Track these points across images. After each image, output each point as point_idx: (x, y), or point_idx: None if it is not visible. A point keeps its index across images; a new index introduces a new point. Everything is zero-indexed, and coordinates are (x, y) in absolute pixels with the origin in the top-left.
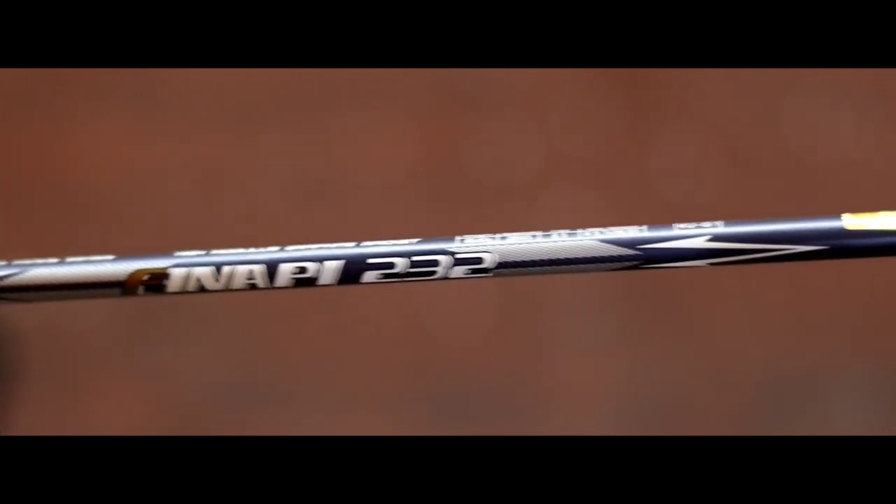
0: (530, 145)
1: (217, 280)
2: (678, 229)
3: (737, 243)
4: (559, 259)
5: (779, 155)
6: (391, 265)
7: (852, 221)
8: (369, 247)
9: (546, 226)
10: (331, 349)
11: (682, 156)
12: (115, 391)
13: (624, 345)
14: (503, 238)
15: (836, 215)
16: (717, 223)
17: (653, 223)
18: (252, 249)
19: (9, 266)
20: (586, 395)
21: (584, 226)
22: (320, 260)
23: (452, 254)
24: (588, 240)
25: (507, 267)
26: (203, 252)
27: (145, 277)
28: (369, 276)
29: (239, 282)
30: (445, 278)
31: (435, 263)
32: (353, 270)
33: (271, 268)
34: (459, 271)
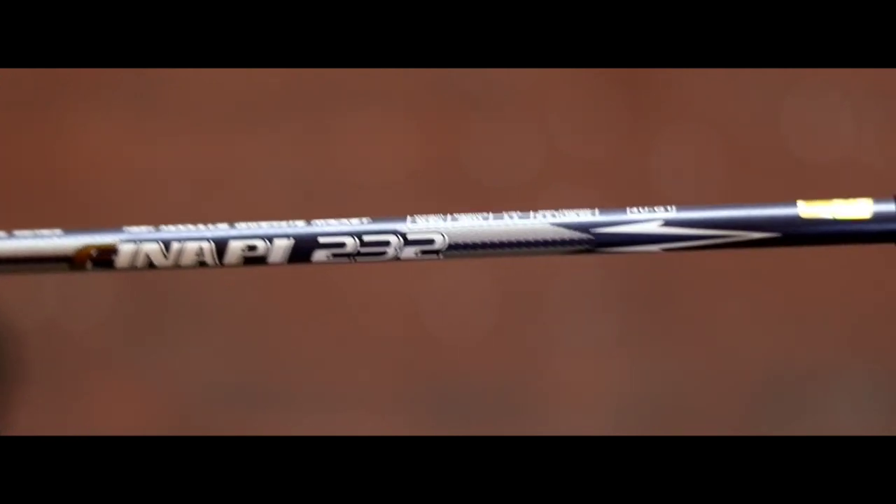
0: (530, 145)
1: (166, 257)
2: (631, 213)
3: (690, 229)
4: (510, 241)
5: (779, 155)
6: (342, 244)
7: (807, 209)
8: (320, 226)
9: None
10: (331, 349)
11: (682, 156)
12: (114, 391)
13: (624, 345)
14: (454, 219)
15: (792, 202)
16: (671, 208)
17: None
18: (202, 226)
19: None
20: (586, 395)
21: None
22: (270, 238)
23: (403, 234)
24: (540, 222)
25: (458, 249)
26: (153, 228)
27: (93, 252)
28: (319, 255)
29: (188, 259)
30: (396, 259)
31: (385, 244)
32: (303, 249)
33: (220, 245)
34: (410, 252)
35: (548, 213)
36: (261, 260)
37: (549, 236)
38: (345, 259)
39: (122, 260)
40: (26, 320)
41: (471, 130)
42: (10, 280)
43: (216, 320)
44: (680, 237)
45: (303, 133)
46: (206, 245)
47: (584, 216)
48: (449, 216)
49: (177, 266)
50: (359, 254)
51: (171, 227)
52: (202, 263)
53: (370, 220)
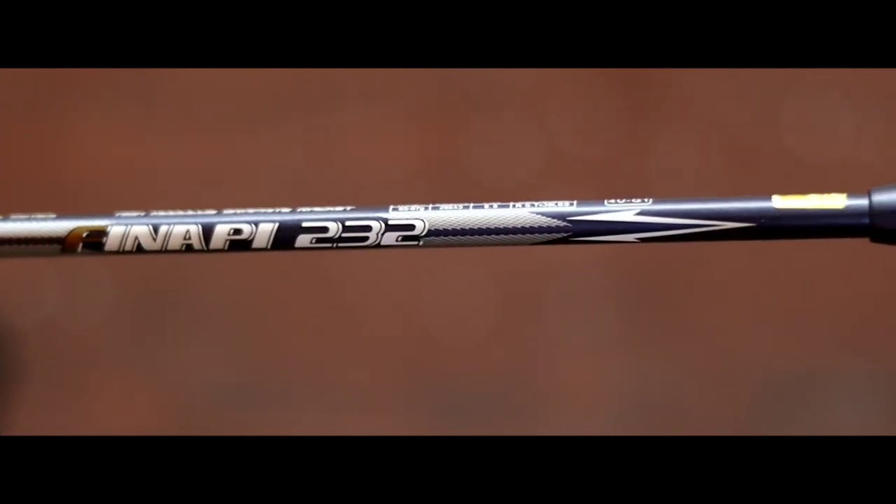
0: (530, 145)
1: (154, 240)
2: (608, 204)
3: (665, 218)
4: (490, 228)
5: (779, 155)
6: (324, 229)
7: (782, 202)
8: (304, 212)
9: None
10: (331, 349)
11: (682, 156)
12: (115, 391)
13: (624, 345)
14: (435, 208)
15: (767, 196)
16: (647, 200)
17: None
18: (190, 212)
19: None
20: (586, 395)
21: None
22: (255, 223)
23: (385, 220)
24: (519, 210)
25: (438, 235)
26: (142, 213)
27: (85, 235)
28: (303, 240)
29: (175, 242)
30: (378, 245)
31: (367, 229)
32: (286, 233)
33: (207, 229)
34: (391, 238)
35: (527, 202)
36: (246, 244)
37: (527, 224)
38: (328, 244)
39: (112, 242)
40: (26, 320)
41: (471, 130)
42: (10, 280)
43: (216, 320)
44: (655, 226)
45: (303, 133)
46: (193, 228)
47: (563, 206)
48: (430, 205)
49: (165, 250)
50: (341, 239)
51: (161, 212)
52: (189, 247)
53: (353, 208)
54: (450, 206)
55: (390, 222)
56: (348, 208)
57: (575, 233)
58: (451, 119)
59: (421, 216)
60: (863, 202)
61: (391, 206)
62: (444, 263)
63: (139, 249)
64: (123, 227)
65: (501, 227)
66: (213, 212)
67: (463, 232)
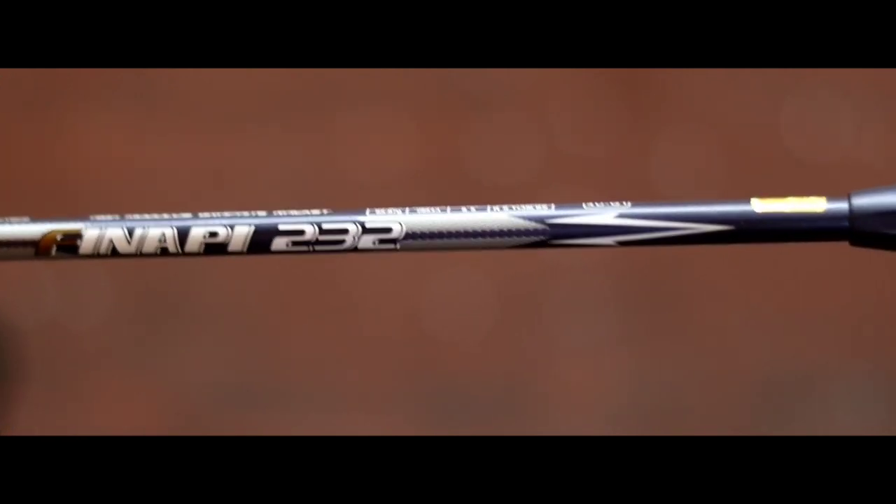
0: (530, 145)
1: (129, 243)
2: (586, 207)
3: (644, 221)
4: (467, 231)
5: (779, 155)
6: (301, 232)
7: (761, 205)
8: (280, 215)
9: None
10: (331, 349)
11: (682, 156)
12: (115, 391)
13: (624, 345)
14: (413, 211)
15: (747, 199)
16: (626, 203)
17: None
18: (165, 215)
19: None
20: (586, 395)
21: None
22: (230, 226)
23: (362, 223)
24: (497, 213)
25: (416, 238)
26: (118, 216)
27: (59, 238)
28: (279, 243)
29: (151, 245)
30: (355, 249)
31: (344, 231)
32: (263, 236)
33: (182, 232)
34: (368, 241)
35: (506, 206)
36: (221, 248)
37: (505, 227)
38: (304, 247)
39: (86, 245)
40: (26, 320)
41: (471, 130)
42: (10, 280)
43: (216, 320)
44: (633, 229)
45: (303, 133)
46: (168, 231)
47: (541, 209)
48: (408, 208)
49: (140, 253)
50: (318, 242)
51: (136, 215)
52: (164, 250)
53: (331, 212)
54: (427, 209)
55: (367, 225)
56: (325, 212)
57: (553, 235)
58: (451, 119)
59: (398, 219)
60: (842, 206)
61: (368, 210)
62: (444, 264)
63: (114, 253)
64: (98, 231)
65: (479, 230)
66: (189, 215)
67: (441, 235)
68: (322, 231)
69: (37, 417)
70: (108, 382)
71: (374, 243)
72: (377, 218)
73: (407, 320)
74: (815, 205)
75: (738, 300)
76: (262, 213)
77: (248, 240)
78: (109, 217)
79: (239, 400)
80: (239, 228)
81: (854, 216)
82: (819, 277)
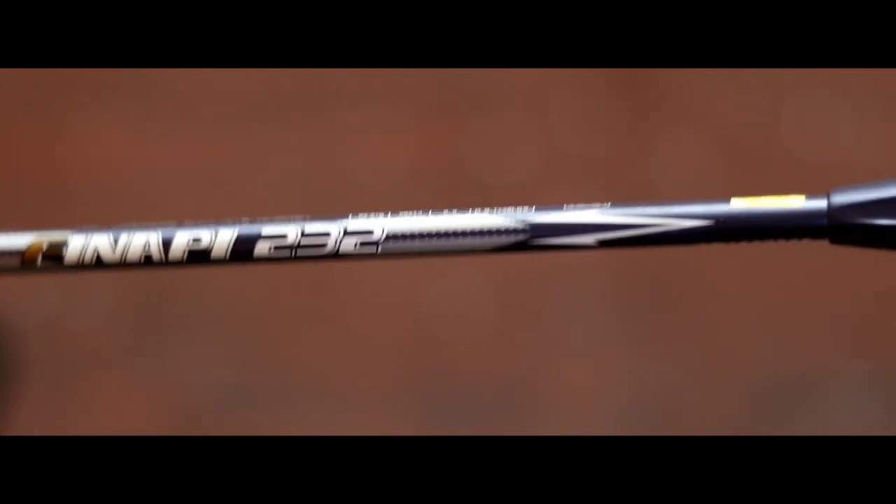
0: (530, 145)
1: (114, 252)
2: (566, 208)
3: (623, 218)
4: (448, 233)
5: (779, 155)
6: (283, 236)
7: (740, 203)
8: (263, 222)
9: None
10: (331, 350)
11: (682, 156)
12: (115, 391)
13: (624, 345)
14: (394, 214)
15: (726, 199)
16: (606, 203)
17: None
18: (150, 223)
19: None
20: (586, 395)
21: None
22: (214, 231)
23: (343, 227)
24: (477, 215)
25: (397, 240)
26: (102, 227)
27: (44, 247)
28: (262, 248)
29: (135, 254)
30: (336, 253)
31: (325, 235)
32: (245, 243)
33: (166, 239)
34: (350, 244)
35: (486, 209)
36: (205, 255)
37: (485, 227)
38: (286, 252)
39: (71, 255)
40: (26, 320)
41: (471, 130)
42: (10, 280)
43: (216, 321)
44: (613, 226)
45: (303, 133)
46: (152, 239)
47: (521, 210)
48: (391, 213)
49: (124, 262)
50: (300, 246)
51: (122, 226)
52: (148, 258)
53: (311, 217)
54: (408, 213)
55: (348, 228)
56: (308, 217)
57: (533, 235)
58: (451, 119)
59: (379, 222)
60: (821, 203)
61: (350, 214)
62: (444, 266)
63: (98, 262)
64: (83, 240)
65: (460, 231)
66: (174, 223)
67: (421, 236)
68: (304, 235)
69: (37, 417)
70: (108, 382)
71: (355, 246)
72: (358, 221)
73: (407, 320)
74: (794, 202)
75: (737, 300)
76: (245, 219)
77: (231, 245)
78: (95, 227)
79: (239, 400)
80: (223, 234)
81: (833, 213)
82: (819, 278)
